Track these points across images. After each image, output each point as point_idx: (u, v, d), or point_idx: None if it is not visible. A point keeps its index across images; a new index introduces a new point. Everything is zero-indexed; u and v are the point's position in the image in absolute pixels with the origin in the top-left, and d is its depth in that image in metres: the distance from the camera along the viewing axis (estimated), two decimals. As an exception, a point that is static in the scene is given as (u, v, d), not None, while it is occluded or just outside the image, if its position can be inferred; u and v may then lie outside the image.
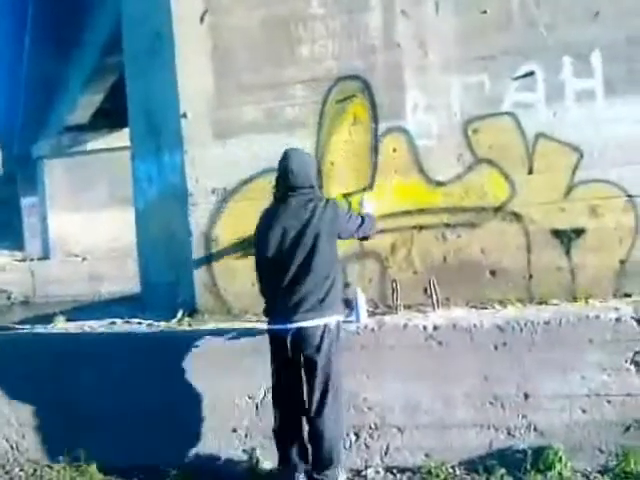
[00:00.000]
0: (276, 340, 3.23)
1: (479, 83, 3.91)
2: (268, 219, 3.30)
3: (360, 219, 3.39)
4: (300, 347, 3.16)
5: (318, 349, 3.14)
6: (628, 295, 3.74)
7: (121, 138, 14.52)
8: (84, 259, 17.75)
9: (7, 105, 21.80)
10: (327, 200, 3.27)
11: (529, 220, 3.88)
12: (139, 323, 4.46)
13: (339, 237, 3.28)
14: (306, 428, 3.27)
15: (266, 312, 3.33)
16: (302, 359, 3.20)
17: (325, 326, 3.15)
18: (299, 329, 3.14)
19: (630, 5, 3.73)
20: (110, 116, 14.63)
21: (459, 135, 3.94)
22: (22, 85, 16.85)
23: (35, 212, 23.85)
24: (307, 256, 3.12)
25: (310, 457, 3.26)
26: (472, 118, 3.93)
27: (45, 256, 19.74)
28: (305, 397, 3.24)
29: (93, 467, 3.81)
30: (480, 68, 3.90)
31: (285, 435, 3.29)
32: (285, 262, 3.15)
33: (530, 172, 3.87)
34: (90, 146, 17.04)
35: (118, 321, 4.62)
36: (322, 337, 3.14)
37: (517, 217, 3.90)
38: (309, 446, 3.26)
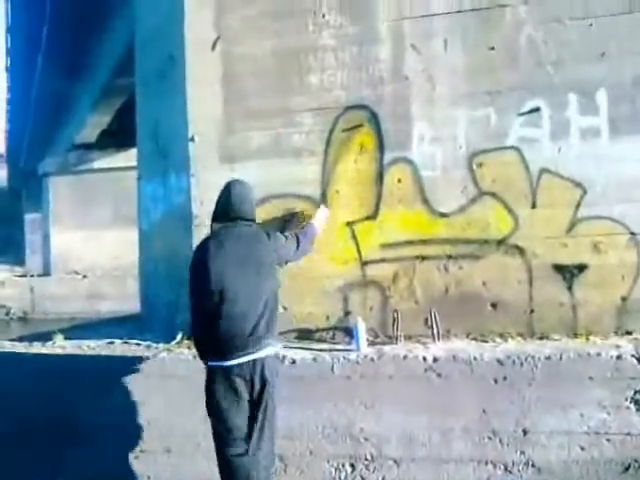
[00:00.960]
0: (216, 375, 3.05)
1: (485, 117, 3.95)
2: (207, 250, 3.14)
3: (296, 242, 3.36)
4: (245, 380, 3.01)
5: (264, 381, 3.01)
6: (629, 333, 3.74)
7: (127, 158, 14.71)
8: (84, 277, 17.77)
9: (16, 122, 22.03)
10: (266, 231, 3.24)
11: (531, 254, 3.89)
12: (137, 344, 4.45)
13: (279, 264, 3.24)
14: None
15: (202, 347, 3.13)
16: (246, 393, 3.03)
17: (270, 357, 3.05)
18: (246, 362, 2.99)
19: (636, 46, 3.78)
20: (117, 136, 14.80)
21: (464, 168, 3.97)
22: (32, 103, 17.05)
23: (37, 228, 23.94)
24: (249, 287, 3.03)
25: None
26: (477, 151, 3.96)
27: (46, 272, 19.77)
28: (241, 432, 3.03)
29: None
30: (487, 102, 3.94)
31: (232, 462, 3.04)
32: (226, 294, 3.01)
33: (533, 206, 3.89)
34: (96, 165, 17.19)
35: (117, 341, 4.61)
36: (268, 369, 3.02)
37: (520, 251, 3.90)
38: None
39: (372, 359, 3.62)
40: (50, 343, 4.68)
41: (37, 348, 4.53)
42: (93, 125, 15.14)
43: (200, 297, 3.11)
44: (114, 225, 16.63)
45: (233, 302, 3.00)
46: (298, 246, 3.37)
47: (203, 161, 4.39)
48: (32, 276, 21.04)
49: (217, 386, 3.04)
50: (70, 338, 4.84)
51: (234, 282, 3.02)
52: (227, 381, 3.02)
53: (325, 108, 4.17)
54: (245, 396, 3.03)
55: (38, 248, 23.23)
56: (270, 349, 3.06)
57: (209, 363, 3.09)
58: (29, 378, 4.17)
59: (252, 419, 3.03)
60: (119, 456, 3.89)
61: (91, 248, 17.15)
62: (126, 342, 4.56)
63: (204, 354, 3.12)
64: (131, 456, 3.91)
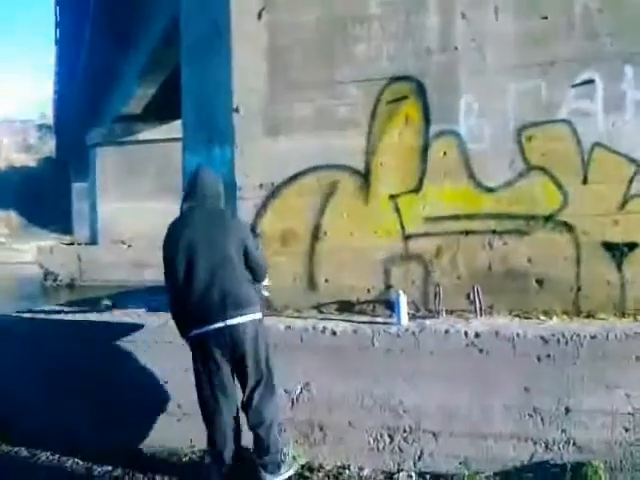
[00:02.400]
0: (200, 343, 3.21)
1: (536, 89, 3.84)
2: (176, 229, 3.33)
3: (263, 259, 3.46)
4: (222, 347, 3.17)
5: (243, 347, 3.17)
6: (680, 314, 3.62)
7: (171, 130, 14.84)
8: (129, 246, 18.15)
9: (64, 94, 22.50)
10: (239, 219, 3.51)
11: (580, 231, 3.79)
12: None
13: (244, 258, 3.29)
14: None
15: (179, 321, 3.31)
16: (226, 360, 3.21)
17: (248, 323, 3.18)
18: (225, 328, 3.15)
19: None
20: (162, 108, 14.92)
21: (512, 141, 3.88)
22: (80, 75, 17.35)
23: (84, 198, 24.53)
24: (220, 257, 3.19)
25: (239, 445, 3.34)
26: (527, 124, 3.86)
27: (92, 241, 20.28)
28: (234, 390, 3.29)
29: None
30: (538, 74, 3.83)
31: (219, 424, 3.28)
32: (194, 266, 3.18)
33: (584, 182, 3.79)
34: (141, 136, 17.42)
35: (161, 311, 4.70)
36: (246, 335, 3.17)
37: (568, 227, 3.81)
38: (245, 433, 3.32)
39: (413, 333, 3.61)
40: (98, 308, 4.82)
41: (86, 315, 4.66)
42: (139, 97, 15.30)
43: (172, 274, 3.26)
44: (158, 196, 16.86)
45: (202, 273, 3.16)
46: (263, 265, 3.46)
47: (247, 132, 4.40)
48: (79, 244, 21.64)
49: (197, 355, 3.24)
50: (117, 306, 4.98)
51: (202, 254, 3.18)
52: (206, 350, 3.19)
53: (370, 79, 4.12)
54: (226, 363, 3.21)
55: (85, 217, 23.83)
56: (246, 317, 3.18)
57: (188, 335, 3.25)
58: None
59: (242, 383, 3.25)
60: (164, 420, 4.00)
61: (136, 218, 17.45)
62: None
63: (182, 328, 3.30)
64: (174, 419, 4.02)
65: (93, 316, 4.58)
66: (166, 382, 4.05)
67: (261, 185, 4.34)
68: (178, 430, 3.97)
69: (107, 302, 5.09)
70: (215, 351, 3.19)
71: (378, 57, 4.09)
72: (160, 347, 4.08)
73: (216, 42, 4.61)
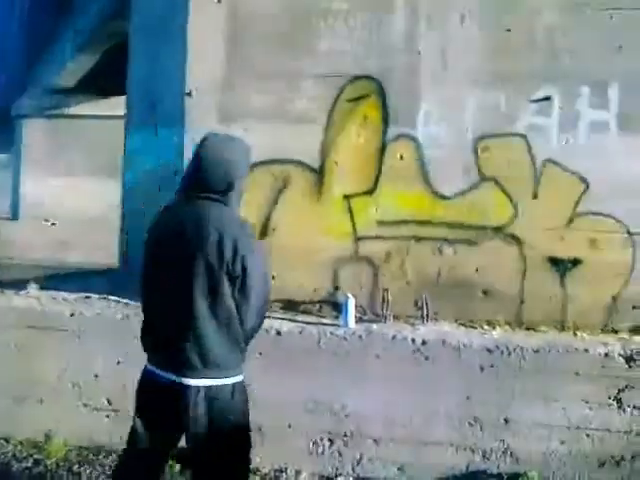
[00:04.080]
0: (157, 388, 2.43)
1: (495, 101, 3.87)
2: (162, 224, 2.51)
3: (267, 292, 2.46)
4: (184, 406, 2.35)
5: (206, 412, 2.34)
6: (615, 331, 3.75)
7: (107, 106, 14.26)
8: (53, 224, 17.34)
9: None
10: (240, 223, 2.42)
11: (528, 245, 3.86)
12: (117, 301, 4.31)
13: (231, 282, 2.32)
14: None
15: (147, 345, 2.53)
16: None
17: (234, 386, 2.38)
18: (184, 386, 2.34)
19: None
20: (99, 83, 14.29)
21: (469, 151, 3.90)
22: (13, 40, 16.38)
23: (7, 170, 23.21)
24: (208, 292, 2.32)
25: None
26: (484, 135, 3.88)
27: (13, 217, 19.24)
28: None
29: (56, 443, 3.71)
30: (498, 86, 3.85)
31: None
32: (173, 289, 2.36)
33: (535, 197, 3.85)
34: (74, 111, 16.62)
35: (94, 296, 4.46)
36: (230, 399, 2.37)
37: (516, 240, 3.87)
38: None
39: (360, 336, 3.57)
40: (24, 292, 4.51)
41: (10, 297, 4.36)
42: (75, 70, 14.55)
43: (144, 283, 2.54)
44: (88, 174, 16.19)
45: (173, 304, 2.36)
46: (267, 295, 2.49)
47: (199, 118, 4.21)
48: (-1, 219, 20.51)
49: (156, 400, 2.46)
50: (44, 288, 4.68)
51: (180, 275, 2.34)
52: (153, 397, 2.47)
53: (332, 75, 4.03)
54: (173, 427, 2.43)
55: (7, 191, 22.59)
56: (236, 377, 2.40)
57: (159, 372, 2.44)
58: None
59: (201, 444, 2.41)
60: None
61: (62, 195, 16.67)
62: (105, 297, 4.41)
63: (151, 357, 2.51)
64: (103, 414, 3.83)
65: (19, 300, 4.28)
66: (96, 376, 3.85)
67: (210, 174, 4.17)
68: (107, 427, 3.78)
69: (33, 285, 4.78)
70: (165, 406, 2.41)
71: (341, 53, 4.01)
72: (90, 338, 3.87)
73: (172, 22, 4.40)
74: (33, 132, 17.78)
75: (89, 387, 3.84)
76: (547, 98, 3.80)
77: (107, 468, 3.58)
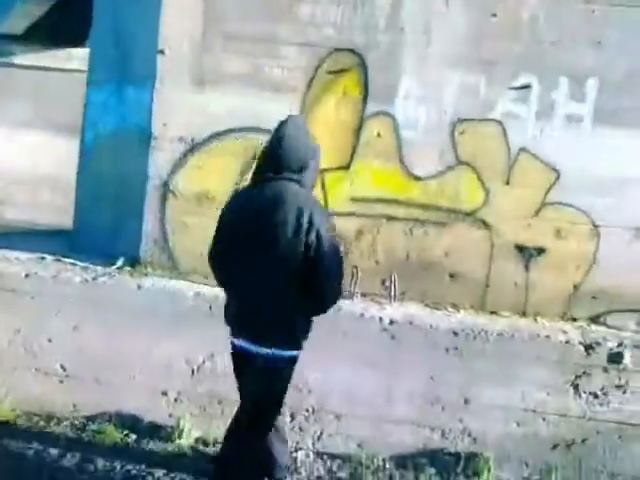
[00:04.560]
0: (239, 356, 2.82)
1: (475, 85, 3.86)
2: (240, 204, 2.76)
3: (339, 261, 2.70)
4: (257, 373, 2.73)
5: (274, 381, 2.74)
6: (574, 319, 3.86)
7: (55, 58, 13.57)
8: (-8, 179, 16.54)
9: None
10: (311, 207, 2.62)
11: (496, 231, 3.90)
12: (73, 264, 4.14)
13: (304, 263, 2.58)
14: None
15: (227, 317, 2.84)
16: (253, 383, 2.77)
17: (290, 359, 2.74)
18: (262, 355, 2.68)
19: (632, 38, 3.78)
20: (50, 31, 13.56)
21: (445, 133, 3.89)
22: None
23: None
24: (273, 267, 2.59)
25: None
26: (461, 119, 3.88)
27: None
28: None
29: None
30: (479, 70, 3.84)
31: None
32: (245, 268, 2.66)
33: (507, 183, 3.88)
34: (19, 60, 15.76)
35: (48, 257, 4.27)
36: (283, 369, 2.75)
37: (486, 225, 3.91)
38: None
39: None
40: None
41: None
42: (22, 15, 13.76)
43: (220, 260, 2.82)
44: (30, 127, 15.45)
45: (245, 280, 2.67)
46: (339, 274, 2.72)
47: (171, 79, 4.04)
48: None
49: (241, 365, 2.83)
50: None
51: (253, 255, 2.62)
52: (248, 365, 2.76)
53: (313, 45, 3.93)
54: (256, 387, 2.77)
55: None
56: (295, 350, 2.74)
57: (238, 343, 2.78)
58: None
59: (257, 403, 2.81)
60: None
61: (2, 149, 15.91)
62: (59, 259, 4.23)
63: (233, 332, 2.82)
64: (56, 380, 3.69)
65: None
66: (49, 340, 3.71)
67: (180, 138, 4.03)
68: (60, 393, 3.65)
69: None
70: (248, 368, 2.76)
71: (324, 23, 3.90)
72: (46, 300, 3.71)
73: (146, -29, 4.18)
74: (-27, 79, 16.82)
75: (42, 351, 3.69)
76: (526, 86, 3.83)
77: (59, 435, 3.47)
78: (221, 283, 2.90)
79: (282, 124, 2.74)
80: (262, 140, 3.90)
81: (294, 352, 2.74)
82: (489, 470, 3.39)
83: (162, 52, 4.04)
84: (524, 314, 3.88)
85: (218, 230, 2.84)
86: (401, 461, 3.49)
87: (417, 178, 3.91)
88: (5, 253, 4.19)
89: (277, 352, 2.67)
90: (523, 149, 3.86)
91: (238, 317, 2.77)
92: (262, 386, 2.73)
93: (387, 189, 3.93)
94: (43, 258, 4.21)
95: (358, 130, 3.93)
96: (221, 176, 4.01)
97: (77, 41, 11.12)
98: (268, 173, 2.66)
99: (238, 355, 2.82)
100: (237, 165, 4.00)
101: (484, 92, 3.86)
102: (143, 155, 4.13)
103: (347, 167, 3.94)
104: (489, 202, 3.90)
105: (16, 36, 15.24)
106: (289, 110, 3.88)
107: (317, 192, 3.88)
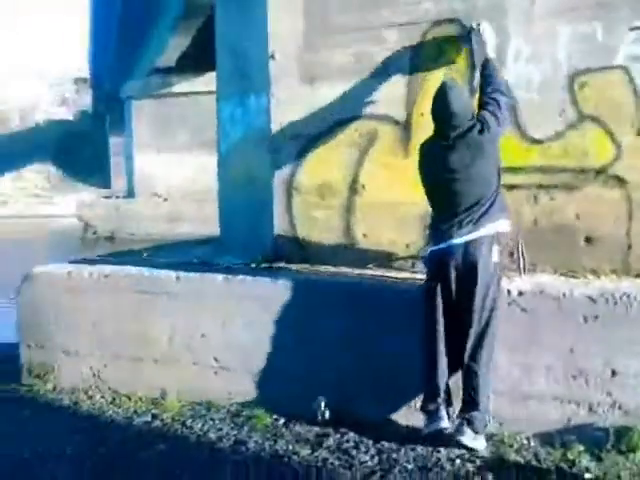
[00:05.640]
0: (440, 258, 3.25)
1: (590, 33, 3.57)
2: (430, 154, 3.40)
3: (500, 111, 3.32)
4: (465, 261, 3.18)
5: (479, 264, 3.15)
6: None
7: (206, 82, 14.68)
8: (166, 199, 18.30)
9: (99, 46, 22.42)
10: (481, 124, 3.23)
11: (634, 186, 3.57)
12: (217, 265, 4.49)
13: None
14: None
15: (432, 232, 3.43)
16: (464, 275, 3.18)
17: (492, 237, 3.20)
18: (468, 242, 3.17)
19: None
20: (197, 59, 14.72)
21: (563, 89, 3.64)
22: (114, 26, 17.19)
23: (121, 151, 24.67)
24: (471, 184, 3.19)
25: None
26: (579, 71, 3.61)
27: (130, 194, 20.49)
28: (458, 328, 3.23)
29: (170, 399, 3.97)
30: (593, 16, 3.55)
31: (435, 372, 3.25)
32: (452, 193, 3.23)
33: (639, 134, 3.54)
34: (177, 89, 17.30)
35: (196, 261, 4.68)
36: (487, 250, 3.18)
37: (620, 182, 3.59)
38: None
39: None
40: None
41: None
42: (173, 48, 15.12)
43: (429, 195, 3.46)
44: (193, 149, 16.90)
45: (454, 193, 3.24)
46: (504, 105, 3.38)
47: (283, 80, 4.24)
48: (117, 197, 21.90)
49: (437, 272, 3.29)
50: (154, 257, 4.97)
51: (454, 178, 3.22)
52: (440, 269, 3.26)
53: (412, 23, 3.89)
54: (465, 280, 3.19)
55: (122, 170, 24.04)
56: (481, 231, 3.19)
57: (436, 246, 3.33)
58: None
59: (470, 319, 3.19)
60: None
61: (172, 171, 17.55)
62: (205, 263, 4.61)
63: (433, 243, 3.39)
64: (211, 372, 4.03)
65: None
66: (203, 335, 4.05)
67: (298, 135, 4.20)
68: (216, 383, 3.99)
69: (145, 255, 5.08)
70: (449, 272, 3.21)
71: (421, -1, 3.85)
72: (195, 299, 4.07)
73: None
74: (142, 112, 18.76)
75: (198, 346, 4.04)
76: (648, 25, 3.46)
77: (217, 422, 3.78)
78: (435, 209, 3.49)
79: (442, 89, 3.31)
80: (375, 125, 4.02)
81: None
82: (646, 444, 3.12)
83: (273, 57, 4.25)
84: (677, 273, 3.50)
85: (422, 174, 3.48)
86: (546, 438, 3.32)
87: (537, 141, 3.70)
88: (162, 261, 4.68)
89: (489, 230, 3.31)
90: (654, 92, 3.49)
91: (454, 220, 3.29)
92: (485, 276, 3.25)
93: (506, 157, 3.69)
94: (192, 263, 4.63)
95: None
96: (339, 167, 4.13)
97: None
98: (444, 127, 3.28)
99: (442, 262, 3.32)
100: (353, 154, 4.09)
101: (602, 38, 3.55)
102: (267, 156, 4.37)
103: (462, 139, 3.83)
104: (622, 156, 3.58)
105: (172, 67, 16.78)
106: (398, 92, 3.94)
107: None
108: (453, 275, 3.20)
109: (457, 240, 3.18)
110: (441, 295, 3.22)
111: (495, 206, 3.22)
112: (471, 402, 3.18)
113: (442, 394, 3.24)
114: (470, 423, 3.16)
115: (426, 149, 3.43)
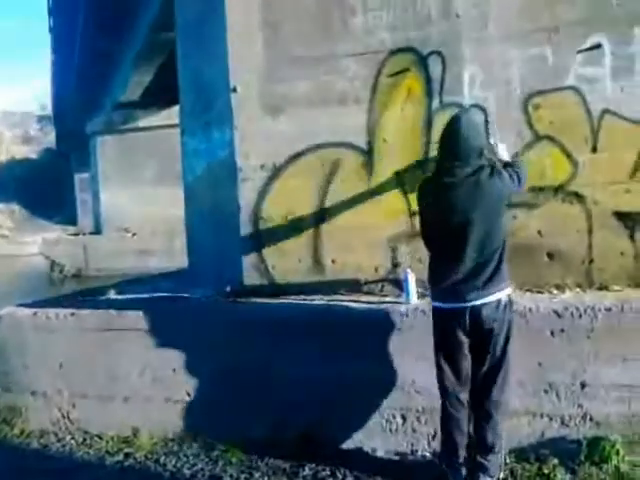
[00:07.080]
0: (446, 318, 3.08)
1: (541, 56, 3.71)
2: (432, 193, 3.11)
3: (517, 173, 3.13)
4: (476, 325, 3.00)
5: (494, 326, 3.00)
6: (695, 283, 3.53)
7: (171, 116, 14.72)
8: (134, 235, 18.13)
9: (61, 83, 22.30)
10: (492, 168, 3.00)
11: (591, 201, 3.69)
12: (184, 298, 4.46)
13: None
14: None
15: (433, 286, 3.16)
16: (475, 338, 3.03)
17: (499, 301, 3.01)
18: (475, 307, 2.98)
19: None
20: (160, 94, 14.77)
21: (518, 111, 3.76)
22: (75, 63, 17.16)
23: (87, 188, 24.45)
24: (476, 231, 2.94)
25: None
26: (533, 93, 3.74)
27: (97, 231, 20.26)
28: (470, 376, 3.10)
29: (142, 438, 3.89)
30: (543, 40, 3.69)
31: (451, 418, 3.10)
32: (454, 239, 2.98)
33: (594, 150, 3.67)
34: (141, 123, 17.28)
35: (163, 295, 4.64)
36: (498, 312, 3.00)
37: (579, 198, 3.70)
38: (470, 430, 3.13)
39: (423, 312, 3.52)
40: (104, 298, 4.76)
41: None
42: (136, 83, 15.16)
43: (429, 240, 3.20)
44: (160, 183, 16.82)
45: (461, 247, 2.97)
46: (520, 178, 3.17)
47: (246, 112, 4.28)
48: (84, 234, 21.63)
49: (447, 328, 3.08)
50: (122, 293, 4.92)
51: (460, 227, 2.96)
52: (459, 324, 3.04)
53: (370, 52, 3.99)
54: (479, 339, 3.03)
55: (89, 207, 23.79)
56: (503, 292, 3.02)
57: (444, 305, 3.11)
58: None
59: (483, 362, 3.06)
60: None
61: (139, 206, 17.42)
62: (172, 296, 4.58)
63: (436, 296, 3.16)
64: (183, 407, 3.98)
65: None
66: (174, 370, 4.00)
67: (262, 166, 4.23)
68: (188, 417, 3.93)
69: (112, 292, 5.02)
70: (461, 329, 3.04)
71: (377, 28, 3.96)
72: (165, 334, 4.03)
73: (210, 19, 4.49)
74: (106, 148, 18.67)
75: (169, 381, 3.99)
76: (597, 46, 3.61)
77: (191, 458, 3.72)
78: (435, 255, 3.20)
79: (456, 120, 3.07)
80: (337, 153, 4.07)
81: None
82: (618, 454, 3.16)
83: (234, 90, 4.29)
84: (637, 285, 3.61)
85: (423, 214, 3.25)
86: (521, 454, 3.35)
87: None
88: (130, 297, 4.63)
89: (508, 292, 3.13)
90: (606, 111, 3.64)
91: (464, 279, 3.05)
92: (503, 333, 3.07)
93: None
94: (161, 297, 4.58)
95: (428, 127, 3.90)
96: (304, 195, 4.16)
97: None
98: (450, 160, 3.01)
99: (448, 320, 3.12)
100: (318, 182, 4.13)
101: (552, 61, 3.69)
102: (232, 187, 4.39)
103: (422, 165, 3.91)
104: (578, 173, 3.70)
105: (135, 102, 16.78)
106: (358, 121, 4.01)
107: (396, 194, 3.95)
108: (463, 334, 3.05)
109: (464, 304, 3.01)
110: (453, 346, 3.08)
111: (502, 268, 3.03)
112: (486, 445, 3.05)
113: (462, 450, 3.11)
114: (485, 470, 3.03)
115: (428, 188, 3.16)
